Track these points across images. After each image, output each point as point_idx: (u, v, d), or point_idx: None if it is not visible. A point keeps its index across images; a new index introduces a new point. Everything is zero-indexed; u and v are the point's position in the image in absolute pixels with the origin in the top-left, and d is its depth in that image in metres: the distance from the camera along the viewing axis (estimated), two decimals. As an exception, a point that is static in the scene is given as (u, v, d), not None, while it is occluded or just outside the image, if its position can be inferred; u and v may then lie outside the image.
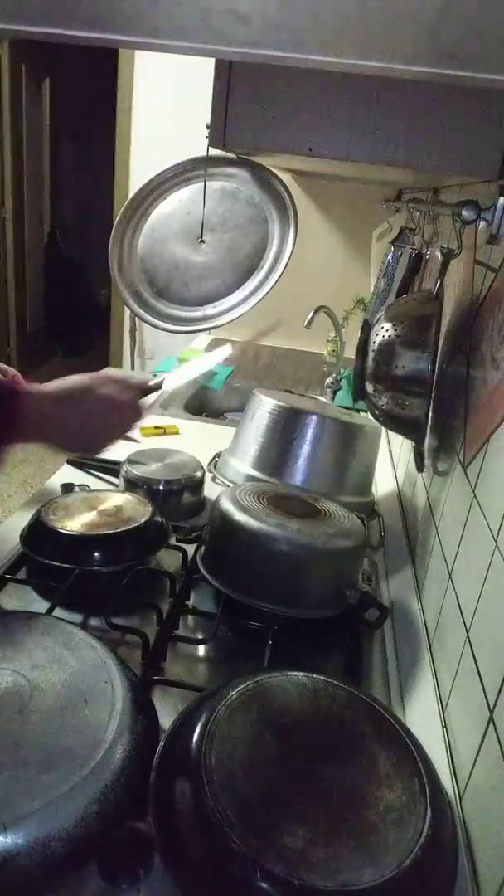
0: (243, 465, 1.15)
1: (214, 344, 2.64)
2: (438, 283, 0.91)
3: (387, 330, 0.92)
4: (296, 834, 0.51)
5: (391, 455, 1.56)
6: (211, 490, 1.19)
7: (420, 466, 1.04)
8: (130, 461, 1.19)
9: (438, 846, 0.53)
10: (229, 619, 0.86)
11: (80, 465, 1.30)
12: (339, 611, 0.86)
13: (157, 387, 0.95)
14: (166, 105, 3.02)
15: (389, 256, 1.52)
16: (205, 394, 2.07)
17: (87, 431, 0.87)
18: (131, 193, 1.46)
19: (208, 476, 1.22)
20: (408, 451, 1.32)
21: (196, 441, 1.51)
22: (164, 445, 1.31)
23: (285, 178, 1.47)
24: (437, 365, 0.89)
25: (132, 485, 1.15)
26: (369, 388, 0.96)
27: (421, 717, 0.74)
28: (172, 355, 2.13)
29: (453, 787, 0.64)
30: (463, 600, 0.73)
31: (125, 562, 0.91)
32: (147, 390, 0.93)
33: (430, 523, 0.97)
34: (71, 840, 0.49)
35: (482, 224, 0.80)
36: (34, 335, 4.58)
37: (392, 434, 1.60)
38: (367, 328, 0.97)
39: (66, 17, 0.36)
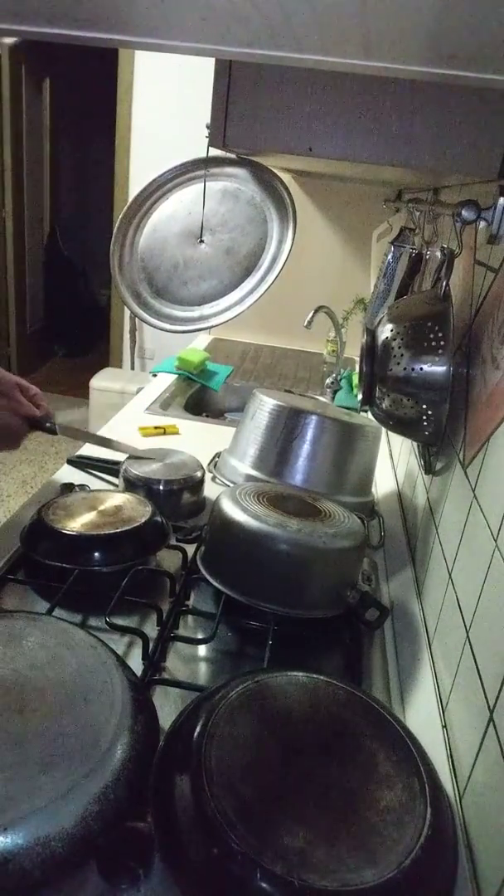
0: (243, 465, 1.15)
1: (214, 344, 2.64)
2: (445, 283, 0.91)
3: (394, 332, 0.91)
4: (296, 834, 0.51)
5: (391, 455, 1.56)
6: (211, 490, 1.19)
7: (430, 468, 1.03)
8: (130, 461, 1.19)
9: (438, 846, 0.53)
10: (229, 619, 0.86)
11: (80, 465, 1.30)
12: (339, 611, 0.86)
13: (48, 429, 1.06)
14: (166, 105, 3.03)
15: (389, 256, 1.52)
16: (205, 394, 2.07)
17: None
18: (131, 194, 1.46)
19: (208, 476, 1.22)
20: (408, 451, 1.32)
21: (196, 441, 1.51)
22: (164, 445, 1.31)
23: (285, 178, 1.47)
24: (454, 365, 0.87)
25: (132, 485, 1.15)
26: (377, 392, 0.95)
27: (421, 717, 0.74)
28: (172, 355, 2.13)
29: (453, 787, 0.64)
30: (463, 600, 0.73)
31: (125, 562, 0.91)
32: (34, 424, 1.03)
33: (430, 523, 0.97)
34: (71, 840, 0.49)
35: (482, 224, 0.80)
36: (34, 335, 4.58)
37: (392, 434, 1.60)
38: (371, 333, 0.96)
39: (66, 17, 0.36)
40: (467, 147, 0.76)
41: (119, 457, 1.23)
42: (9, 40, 3.54)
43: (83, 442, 1.30)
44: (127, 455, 1.22)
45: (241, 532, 0.85)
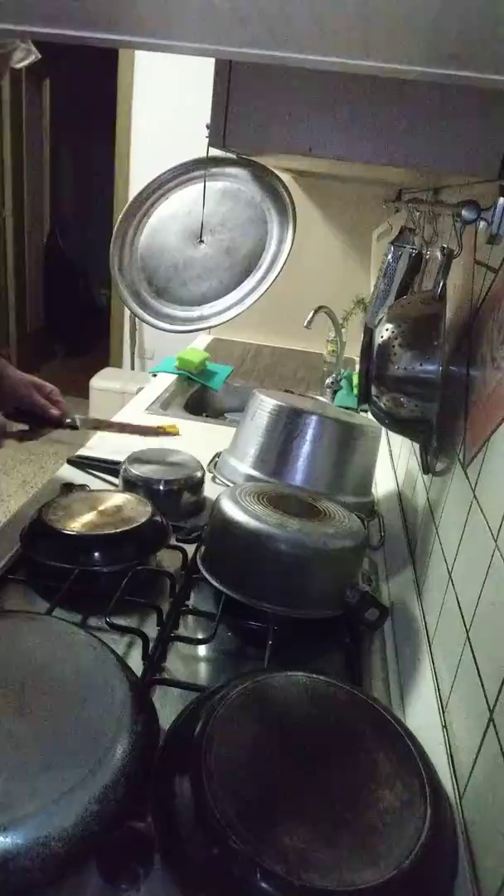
0: (243, 465, 1.15)
1: (214, 344, 2.64)
2: (441, 283, 0.91)
3: (390, 331, 0.92)
4: (296, 834, 0.51)
5: (391, 455, 1.56)
6: (211, 490, 1.19)
7: (427, 468, 1.03)
8: (130, 461, 1.19)
9: (438, 846, 0.53)
10: (229, 619, 0.86)
11: (80, 465, 1.30)
12: (339, 611, 0.86)
13: (69, 425, 1.09)
14: (166, 105, 3.03)
15: (389, 256, 1.52)
16: (205, 394, 2.07)
17: None
18: (131, 193, 1.46)
19: (208, 476, 1.21)
20: (408, 451, 1.32)
21: (196, 441, 1.51)
22: (164, 445, 1.31)
23: (285, 177, 1.47)
24: (444, 366, 0.88)
25: (132, 485, 1.15)
26: (373, 390, 0.95)
27: (421, 717, 0.74)
28: (172, 355, 2.13)
29: (453, 787, 0.64)
30: (463, 600, 0.73)
31: (125, 562, 0.91)
32: (55, 422, 1.08)
33: (430, 523, 0.97)
34: (71, 840, 0.49)
35: (482, 224, 0.80)
36: (34, 335, 4.58)
37: (392, 434, 1.60)
38: (369, 331, 0.96)
39: (66, 17, 0.36)
40: (467, 147, 0.76)
41: (119, 456, 1.23)
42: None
43: (103, 431, 1.28)
44: (128, 455, 1.22)
45: (241, 532, 0.85)
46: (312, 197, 2.65)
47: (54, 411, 1.06)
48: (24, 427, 1.07)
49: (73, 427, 1.08)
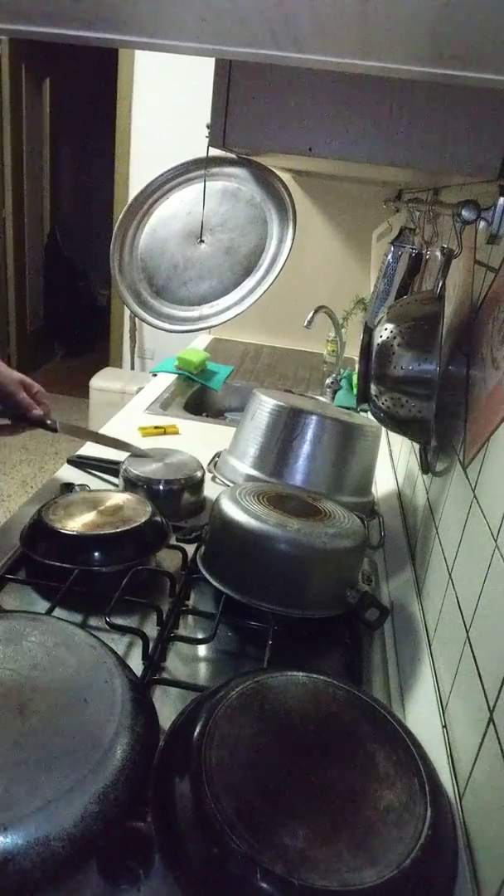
0: (243, 465, 1.15)
1: (214, 344, 2.64)
2: (441, 283, 0.91)
3: (390, 331, 0.92)
4: (296, 834, 0.51)
5: (391, 455, 1.56)
6: (211, 490, 1.19)
7: (426, 468, 1.03)
8: (130, 461, 1.19)
9: (438, 846, 0.53)
10: (229, 619, 0.86)
11: (80, 465, 1.30)
12: (339, 611, 0.86)
13: (49, 427, 1.10)
14: (166, 105, 3.03)
15: (389, 256, 1.52)
16: (205, 394, 2.07)
17: None
18: (131, 193, 1.46)
19: (208, 476, 1.22)
20: (408, 451, 1.32)
21: (196, 441, 1.51)
22: (164, 445, 1.31)
23: (285, 177, 1.47)
24: (442, 366, 0.88)
25: (132, 485, 1.15)
26: (373, 390, 0.95)
27: (421, 717, 0.74)
28: (172, 355, 2.14)
29: (453, 787, 0.64)
30: (463, 600, 0.73)
31: (125, 562, 0.91)
32: (36, 421, 1.09)
33: (430, 523, 0.97)
34: (71, 840, 0.49)
35: (482, 224, 0.80)
36: (34, 335, 4.58)
37: (392, 434, 1.60)
38: (369, 331, 0.96)
39: (66, 17, 0.36)
40: (467, 147, 0.76)
41: (119, 456, 1.23)
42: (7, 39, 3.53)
43: (83, 440, 1.31)
44: (128, 454, 1.22)
45: (241, 532, 0.85)
46: (312, 197, 2.65)
47: (36, 412, 1.08)
48: (6, 422, 1.09)
49: (53, 429, 1.10)
